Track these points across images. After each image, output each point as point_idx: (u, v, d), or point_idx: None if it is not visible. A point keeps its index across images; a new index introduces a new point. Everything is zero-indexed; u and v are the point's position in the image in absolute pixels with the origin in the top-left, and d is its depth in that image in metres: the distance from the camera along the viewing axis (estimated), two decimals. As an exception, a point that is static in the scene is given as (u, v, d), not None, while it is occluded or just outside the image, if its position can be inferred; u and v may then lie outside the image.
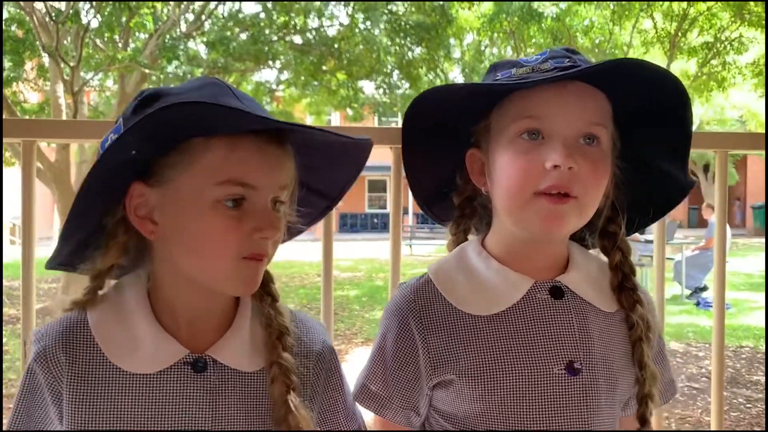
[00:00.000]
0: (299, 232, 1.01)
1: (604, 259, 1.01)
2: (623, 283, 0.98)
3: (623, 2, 11.09)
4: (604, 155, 0.91)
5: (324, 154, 0.92)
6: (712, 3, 11.06)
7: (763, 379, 5.34)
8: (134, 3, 7.91)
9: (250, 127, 0.82)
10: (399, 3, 10.93)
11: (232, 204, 0.81)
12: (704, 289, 8.53)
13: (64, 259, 0.91)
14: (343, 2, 10.76)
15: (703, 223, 10.63)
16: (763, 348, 6.24)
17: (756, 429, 4.40)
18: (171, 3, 9.54)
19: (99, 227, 0.86)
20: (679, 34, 11.61)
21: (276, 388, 0.86)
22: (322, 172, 0.96)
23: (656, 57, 13.46)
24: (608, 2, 11.08)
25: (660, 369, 0.99)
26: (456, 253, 1.02)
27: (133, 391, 0.83)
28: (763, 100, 16.91)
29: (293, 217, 0.93)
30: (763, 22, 10.76)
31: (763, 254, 13.48)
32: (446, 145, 1.01)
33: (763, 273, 10.79)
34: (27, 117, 10.49)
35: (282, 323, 0.91)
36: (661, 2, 11.29)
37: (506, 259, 0.96)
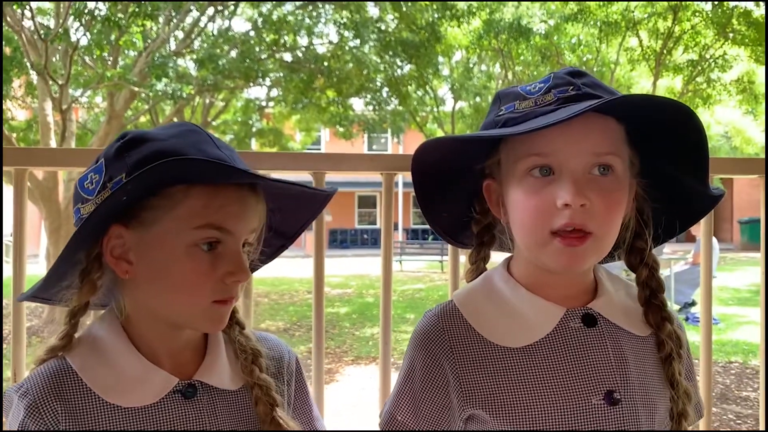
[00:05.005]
0: (254, 270, 1.04)
1: (630, 282, 1.00)
2: (651, 299, 0.96)
3: (610, 21, 11.23)
4: (618, 183, 0.88)
5: (291, 199, 0.96)
6: (697, 21, 11.24)
7: (752, 395, 5.36)
8: (124, 21, 7.91)
9: (236, 181, 0.86)
10: (388, 19, 11.02)
11: (207, 247, 0.84)
12: (693, 304, 8.57)
13: (36, 292, 0.92)
14: (332, 20, 10.82)
15: (691, 238, 10.70)
16: (752, 363, 6.26)
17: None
18: (160, 20, 9.56)
19: (73, 264, 0.88)
20: (665, 52, 11.75)
21: (261, 408, 0.91)
22: (286, 214, 0.99)
23: (642, 74, 13.64)
24: (597, 16, 11.22)
25: (693, 387, 0.96)
26: (482, 282, 1.00)
27: (132, 425, 0.85)
28: (748, 117, 17.13)
29: (254, 255, 0.97)
30: (746, 41, 10.93)
31: (751, 269, 13.56)
32: (460, 179, 1.01)
33: (751, 288, 10.86)
34: (14, 134, 10.44)
35: (254, 347, 0.96)
36: (647, 21, 11.45)
37: (534, 287, 0.94)
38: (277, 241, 1.04)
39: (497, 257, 1.07)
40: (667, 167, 0.95)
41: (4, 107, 10.28)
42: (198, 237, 0.83)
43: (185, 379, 0.89)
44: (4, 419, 0.88)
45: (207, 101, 12.52)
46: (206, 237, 0.84)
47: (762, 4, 10.12)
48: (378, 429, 1.01)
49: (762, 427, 1.45)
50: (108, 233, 0.85)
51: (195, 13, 10.34)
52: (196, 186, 0.83)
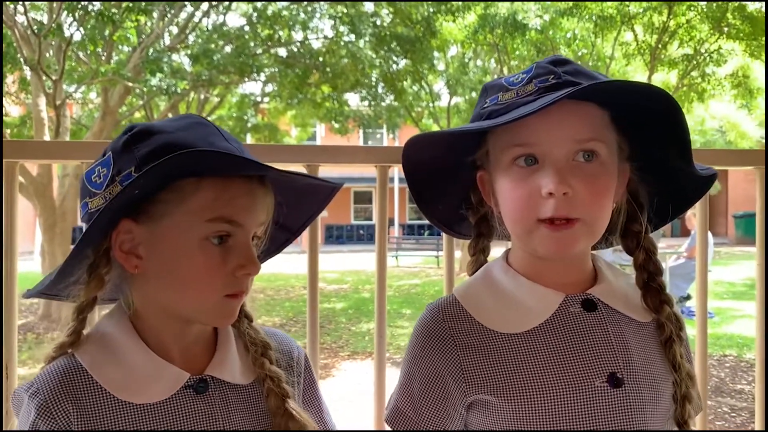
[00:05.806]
0: None
1: (629, 272, 1.00)
2: (649, 282, 0.96)
3: (605, 15, 11.23)
4: (604, 169, 0.89)
5: (297, 192, 0.96)
6: (692, 15, 11.24)
7: (747, 388, 5.38)
8: (118, 16, 7.87)
9: (250, 173, 0.86)
10: (383, 14, 10.99)
11: (217, 241, 0.84)
12: (688, 298, 8.59)
13: (44, 288, 0.91)
14: (328, 15, 10.80)
15: (686, 232, 10.73)
16: (747, 357, 6.29)
17: (750, 429, 4.44)
18: (155, 16, 9.52)
19: (80, 259, 0.87)
20: (660, 46, 11.75)
21: (272, 400, 0.91)
22: (291, 208, 0.99)
23: (638, 69, 13.64)
24: (592, 11, 11.22)
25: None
26: (482, 275, 1.01)
27: (145, 422, 0.84)
28: (743, 112, 17.16)
29: (259, 250, 0.96)
30: (741, 35, 10.94)
31: (745, 263, 13.62)
32: (454, 171, 1.01)
33: (746, 282, 10.90)
34: (8, 130, 10.40)
35: (264, 339, 0.96)
36: (642, 15, 11.45)
37: (532, 275, 0.95)
38: (281, 235, 1.03)
39: (495, 252, 1.07)
40: (654, 150, 0.95)
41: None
42: (209, 230, 0.83)
43: (196, 374, 0.88)
44: (5, 415, 0.87)
45: (202, 96, 12.49)
46: (217, 230, 0.83)
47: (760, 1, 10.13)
48: (383, 427, 1.01)
49: (758, 425, 1.46)
50: (117, 228, 0.84)
51: (189, 8, 10.30)
52: (206, 179, 0.83)
